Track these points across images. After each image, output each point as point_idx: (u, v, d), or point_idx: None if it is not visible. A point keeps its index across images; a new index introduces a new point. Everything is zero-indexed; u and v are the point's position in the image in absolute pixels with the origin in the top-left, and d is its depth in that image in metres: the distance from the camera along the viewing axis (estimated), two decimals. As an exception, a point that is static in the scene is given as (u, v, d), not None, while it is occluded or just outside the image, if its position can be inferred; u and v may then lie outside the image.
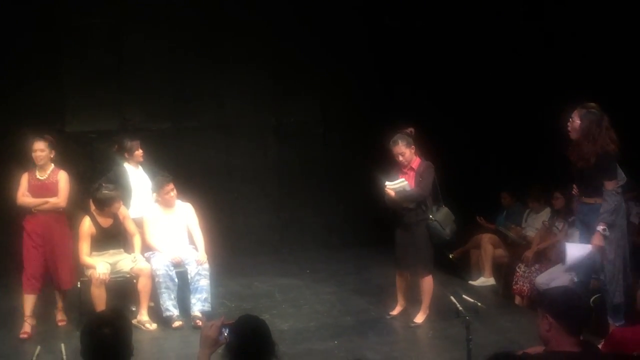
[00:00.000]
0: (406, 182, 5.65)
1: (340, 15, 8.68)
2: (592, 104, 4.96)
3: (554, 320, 2.92)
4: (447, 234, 5.75)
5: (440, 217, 5.75)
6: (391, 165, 5.91)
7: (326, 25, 8.63)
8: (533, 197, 7.14)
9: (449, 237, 5.77)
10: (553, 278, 6.12)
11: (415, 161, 5.78)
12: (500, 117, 7.62)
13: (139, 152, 6.46)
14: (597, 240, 4.91)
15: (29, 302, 5.83)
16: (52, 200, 5.87)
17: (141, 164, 6.53)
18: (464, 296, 4.24)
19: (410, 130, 5.81)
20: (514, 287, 6.59)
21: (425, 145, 5.97)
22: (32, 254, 5.84)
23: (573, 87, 6.17)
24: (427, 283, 5.87)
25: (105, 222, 6.04)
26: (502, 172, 7.77)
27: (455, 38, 7.92)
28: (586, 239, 5.04)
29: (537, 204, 7.10)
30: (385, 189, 5.68)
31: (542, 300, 3.18)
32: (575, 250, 5.04)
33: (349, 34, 8.69)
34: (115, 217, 6.06)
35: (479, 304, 4.17)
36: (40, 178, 5.89)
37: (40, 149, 5.89)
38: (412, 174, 5.76)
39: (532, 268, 6.49)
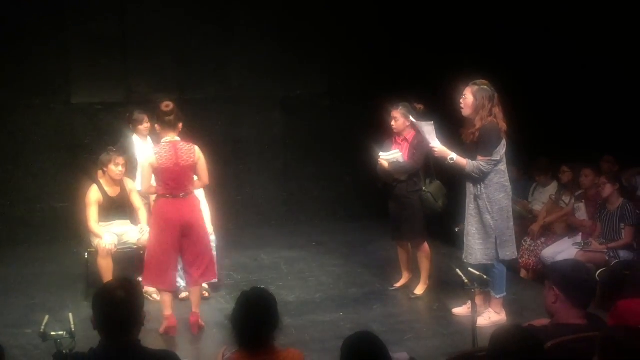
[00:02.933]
0: (400, 154, 5.66)
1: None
2: (484, 81, 5.05)
3: (561, 293, 2.93)
4: (440, 206, 5.79)
5: (433, 189, 5.77)
6: (386, 135, 5.91)
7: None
8: (540, 171, 7.11)
9: (440, 210, 5.81)
10: (559, 252, 6.14)
11: (411, 134, 5.77)
12: (507, 90, 7.54)
13: (144, 127, 6.42)
14: (440, 150, 5.14)
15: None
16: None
17: (151, 137, 6.52)
18: (469, 269, 4.26)
19: (420, 106, 5.81)
20: (520, 261, 6.60)
21: (432, 117, 5.93)
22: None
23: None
24: (424, 253, 5.90)
25: (113, 191, 6.04)
26: (508, 146, 7.72)
27: (466, 7, 7.81)
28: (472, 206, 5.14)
29: (544, 177, 7.07)
30: (379, 159, 5.70)
31: (549, 273, 3.18)
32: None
33: (356, 4, 8.58)
34: (123, 187, 6.06)
35: (485, 276, 4.19)
36: None
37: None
38: (405, 145, 5.78)
39: (538, 242, 6.50)
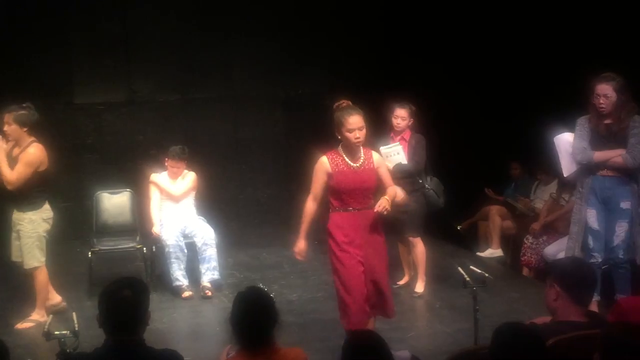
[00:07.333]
0: (401, 147, 5.67)
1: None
2: (612, 74, 4.89)
3: (562, 290, 2.94)
4: (442, 202, 5.85)
5: (434, 186, 5.86)
6: (383, 133, 5.89)
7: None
8: (542, 169, 7.12)
9: (443, 205, 5.88)
10: (561, 249, 6.13)
11: (407, 133, 5.80)
12: (510, 87, 7.55)
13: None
14: None
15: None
16: None
17: None
18: (471, 267, 4.25)
19: (413, 108, 5.82)
20: (522, 259, 6.62)
21: (434, 116, 5.95)
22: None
23: (590, 53, 6.11)
24: (419, 248, 5.89)
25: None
26: (511, 143, 7.72)
27: (464, 3, 7.80)
28: (605, 217, 4.98)
29: (546, 175, 7.07)
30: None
31: (551, 271, 3.19)
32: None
33: (358, 4, 8.59)
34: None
35: (487, 274, 4.19)
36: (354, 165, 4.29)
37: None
38: (404, 144, 5.78)
39: (540, 239, 6.51)
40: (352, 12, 8.57)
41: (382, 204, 4.15)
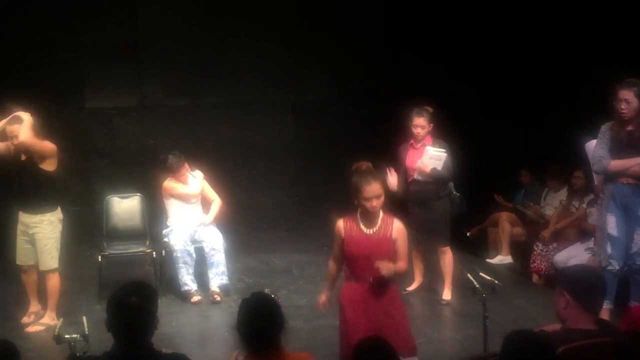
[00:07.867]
0: (446, 155, 5.65)
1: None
2: (636, 79, 4.85)
3: (572, 298, 2.93)
4: (464, 208, 5.92)
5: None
6: (403, 140, 5.88)
7: (343, 1, 8.55)
8: (552, 176, 7.09)
9: (465, 210, 5.94)
10: (571, 257, 6.12)
11: (428, 138, 5.77)
12: (521, 93, 7.54)
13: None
14: None
15: None
16: None
17: None
18: (480, 274, 4.24)
19: (429, 109, 5.81)
20: (532, 266, 6.59)
21: (444, 122, 5.95)
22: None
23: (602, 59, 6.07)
24: (448, 257, 5.89)
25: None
26: (521, 150, 7.71)
27: (473, 6, 7.80)
28: (625, 224, 4.96)
29: (556, 182, 7.05)
30: (425, 156, 5.66)
31: (560, 278, 3.18)
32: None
33: (366, 10, 8.60)
34: None
35: (496, 281, 4.17)
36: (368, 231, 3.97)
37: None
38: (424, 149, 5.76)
39: (550, 247, 6.48)
40: (359, 19, 8.58)
41: (386, 266, 3.82)
